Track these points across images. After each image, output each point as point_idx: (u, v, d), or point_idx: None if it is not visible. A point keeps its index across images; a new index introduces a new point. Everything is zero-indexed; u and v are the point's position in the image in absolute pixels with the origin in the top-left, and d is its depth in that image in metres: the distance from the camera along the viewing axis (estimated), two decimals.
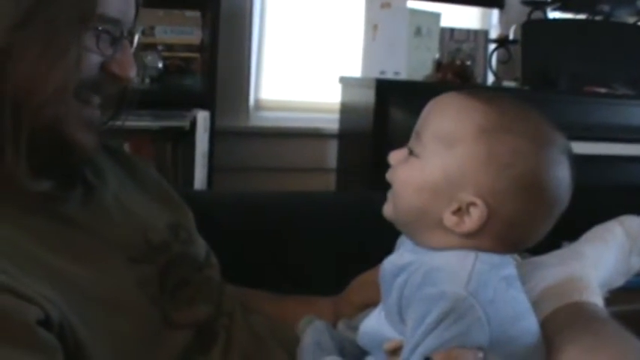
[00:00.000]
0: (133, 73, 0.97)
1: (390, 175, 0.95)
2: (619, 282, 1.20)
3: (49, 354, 0.77)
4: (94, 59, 0.92)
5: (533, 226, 0.90)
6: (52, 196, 0.96)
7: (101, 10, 0.90)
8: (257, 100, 3.15)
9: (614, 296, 1.11)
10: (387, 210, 0.95)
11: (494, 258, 0.88)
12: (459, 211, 0.87)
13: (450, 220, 0.88)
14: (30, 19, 0.85)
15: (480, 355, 0.80)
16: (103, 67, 0.94)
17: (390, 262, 0.95)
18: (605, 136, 2.62)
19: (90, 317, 0.85)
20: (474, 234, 0.87)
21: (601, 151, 2.54)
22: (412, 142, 0.93)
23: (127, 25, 0.96)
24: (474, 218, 0.86)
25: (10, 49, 0.84)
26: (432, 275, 0.85)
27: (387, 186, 0.96)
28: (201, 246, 1.15)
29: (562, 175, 0.88)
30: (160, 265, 1.02)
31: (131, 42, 0.99)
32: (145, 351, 0.91)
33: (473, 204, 0.86)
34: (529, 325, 0.88)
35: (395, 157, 0.94)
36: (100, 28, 0.91)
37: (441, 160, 0.89)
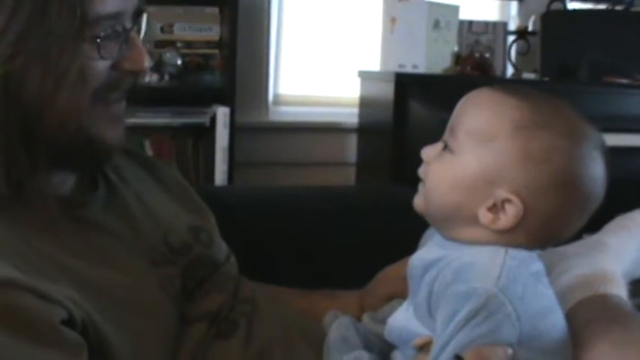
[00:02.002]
0: (147, 63, 0.95)
1: (423, 171, 0.94)
2: None
3: (75, 352, 0.78)
4: (101, 66, 0.89)
5: (568, 223, 0.89)
6: (74, 200, 0.96)
7: (96, 11, 0.86)
8: (276, 95, 3.16)
9: (635, 288, 1.10)
10: (418, 203, 0.95)
11: (523, 253, 0.87)
12: (494, 208, 0.87)
13: (485, 216, 0.87)
14: (22, 46, 0.82)
15: (510, 351, 0.80)
16: (115, 66, 0.91)
17: (418, 258, 0.94)
18: (626, 127, 2.59)
19: (113, 318, 0.85)
20: (508, 230, 0.87)
21: (622, 142, 2.52)
22: (446, 137, 0.92)
23: (129, 11, 0.93)
24: (509, 215, 0.86)
25: (10, 75, 0.82)
26: (463, 272, 0.85)
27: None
28: (222, 249, 1.15)
29: (597, 171, 0.87)
30: (181, 267, 1.02)
31: (138, 29, 0.96)
32: (165, 349, 0.92)
33: (508, 201, 0.86)
34: (557, 320, 0.88)
35: (428, 152, 0.94)
36: (98, 37, 0.87)
37: (476, 156, 0.88)
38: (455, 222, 0.90)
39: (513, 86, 0.92)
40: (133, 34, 0.94)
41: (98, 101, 0.90)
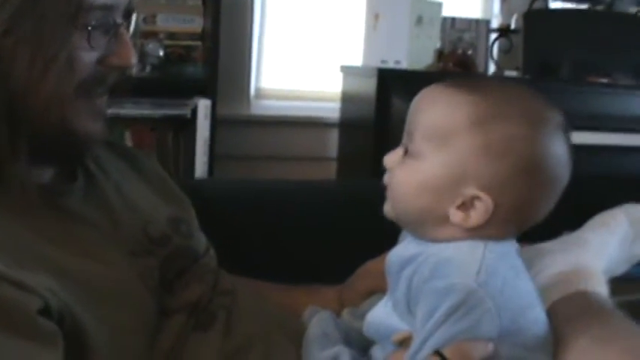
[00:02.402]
0: (133, 60, 0.95)
1: (387, 179, 0.93)
2: (620, 270, 1.20)
3: (50, 342, 0.77)
4: (89, 57, 0.89)
5: (537, 206, 0.89)
6: (53, 189, 0.95)
7: (90, 0, 0.87)
8: (258, 89, 3.15)
9: (615, 286, 1.10)
10: (387, 210, 0.94)
11: (502, 247, 0.88)
12: (463, 206, 0.86)
13: (456, 215, 0.87)
14: (16, 24, 0.82)
15: (490, 346, 0.80)
16: (101, 61, 0.91)
17: (395, 254, 0.94)
18: (607, 126, 2.61)
19: (91, 308, 0.84)
20: (480, 225, 0.86)
21: (602, 141, 2.54)
22: (405, 142, 0.91)
23: (121, 6, 0.93)
24: (480, 212, 0.86)
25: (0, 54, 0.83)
26: (441, 267, 0.84)
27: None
28: (201, 241, 1.14)
29: (560, 151, 0.87)
30: (160, 258, 1.01)
31: (128, 26, 0.96)
32: (143, 340, 0.91)
33: (477, 197, 0.85)
34: (538, 315, 0.88)
35: (390, 159, 0.93)
36: (89, 26, 0.88)
37: (437, 158, 0.87)
38: (426, 224, 0.90)
39: (463, 80, 0.92)
40: (123, 29, 0.94)
41: (81, 94, 0.90)
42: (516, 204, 0.87)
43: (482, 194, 0.85)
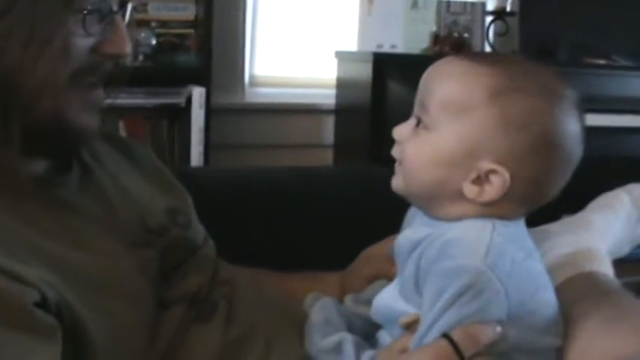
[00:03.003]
0: (128, 48, 0.93)
1: (397, 152, 0.91)
2: (624, 251, 1.19)
3: (48, 335, 0.76)
4: (83, 43, 0.88)
5: (552, 183, 0.88)
6: (48, 180, 0.94)
7: None
8: (252, 76, 3.13)
9: (619, 267, 1.09)
10: (398, 185, 0.92)
11: (511, 228, 0.86)
12: (478, 180, 0.85)
13: (470, 190, 0.85)
14: (10, 7, 0.81)
15: (499, 328, 0.79)
16: (96, 49, 0.90)
17: (405, 238, 0.92)
18: (605, 108, 2.60)
19: (90, 300, 0.83)
20: (494, 201, 0.85)
21: (601, 122, 2.53)
22: (418, 113, 0.90)
23: None
24: (496, 186, 0.84)
25: None
26: (449, 248, 0.83)
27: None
28: (199, 231, 1.13)
29: (575, 128, 0.86)
30: (158, 249, 1.00)
31: (123, 14, 0.95)
32: (143, 332, 0.90)
33: (493, 171, 0.84)
34: (548, 296, 0.87)
35: (401, 131, 0.91)
36: (85, 11, 0.87)
37: (453, 130, 0.86)
38: (439, 200, 0.88)
39: (479, 54, 0.91)
40: (118, 18, 0.93)
41: (75, 84, 0.88)
42: (532, 179, 0.85)
43: (498, 167, 0.84)
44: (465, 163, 0.85)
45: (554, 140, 0.85)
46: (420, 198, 0.91)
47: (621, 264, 1.13)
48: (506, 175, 0.83)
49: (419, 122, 0.89)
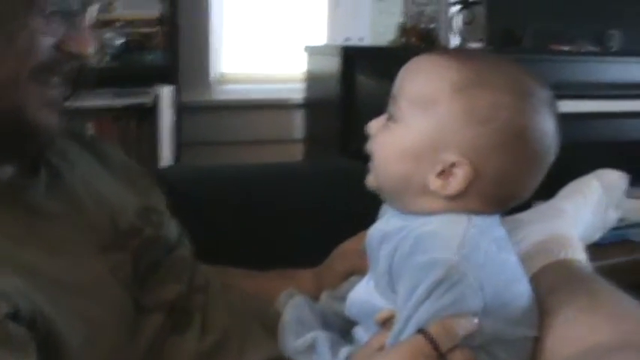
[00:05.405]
0: (91, 48, 0.91)
1: (370, 145, 0.92)
2: (595, 236, 1.20)
3: (22, 348, 0.75)
4: (46, 41, 0.86)
5: (522, 180, 0.88)
6: (15, 185, 0.92)
7: None
8: (220, 74, 3.11)
9: (590, 252, 1.10)
10: (370, 180, 0.93)
11: (486, 220, 0.86)
12: (443, 174, 0.85)
13: (434, 183, 0.85)
14: None
15: (475, 320, 0.79)
16: (59, 46, 0.88)
17: (376, 229, 0.93)
18: (573, 94, 2.61)
19: (63, 307, 0.81)
20: (461, 195, 0.85)
21: (569, 108, 2.54)
22: (390, 108, 0.90)
23: None
24: (459, 178, 0.84)
25: None
26: (422, 242, 0.83)
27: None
28: (173, 229, 1.12)
29: (545, 126, 0.86)
30: (132, 250, 0.98)
31: (87, 15, 0.93)
32: (119, 338, 0.89)
33: (456, 164, 0.84)
34: (522, 287, 0.87)
35: (374, 125, 0.92)
36: (48, 10, 0.85)
37: (419, 123, 0.86)
38: (407, 194, 0.89)
39: (455, 50, 0.91)
40: (82, 17, 0.91)
41: (34, 80, 0.87)
42: (499, 174, 0.85)
43: (461, 159, 0.84)
44: (430, 156, 0.85)
45: (519, 135, 0.84)
46: (389, 192, 0.92)
47: (592, 248, 1.14)
48: (469, 167, 0.84)
49: (390, 117, 0.90)
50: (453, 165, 0.84)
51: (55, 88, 0.91)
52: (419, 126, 0.86)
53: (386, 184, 0.91)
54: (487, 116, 0.83)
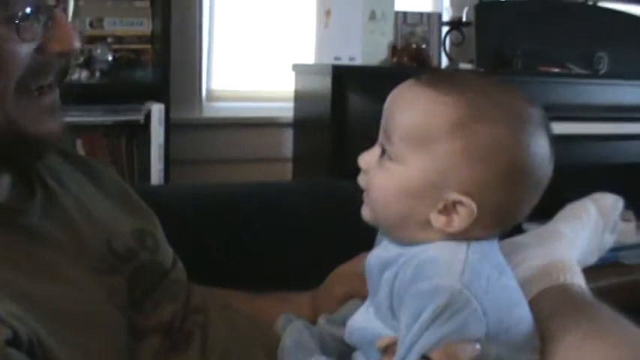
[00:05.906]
0: (76, 42, 0.88)
1: (363, 181, 0.90)
2: (591, 260, 1.20)
3: None
4: (23, 49, 0.83)
5: (521, 206, 0.88)
6: (11, 208, 0.90)
7: None
8: (209, 91, 3.11)
9: (585, 273, 1.10)
10: (366, 214, 0.91)
11: (485, 246, 0.86)
12: (445, 210, 0.84)
13: (438, 220, 0.84)
14: None
15: (478, 347, 0.79)
16: (42, 49, 0.85)
17: (375, 256, 0.92)
18: (561, 116, 2.62)
19: (60, 333, 0.79)
20: (463, 230, 0.84)
21: (556, 130, 2.53)
22: (382, 142, 0.89)
23: None
24: (462, 216, 0.83)
25: None
26: (424, 268, 0.82)
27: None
28: (168, 253, 1.10)
29: (543, 150, 0.85)
30: (126, 275, 0.97)
31: (64, 8, 0.91)
32: None
33: (459, 202, 0.83)
34: (522, 312, 0.86)
35: (366, 160, 0.90)
36: (15, 17, 0.81)
37: (418, 163, 0.85)
38: (407, 228, 0.88)
39: (441, 77, 0.90)
40: (59, 12, 0.88)
41: (24, 91, 0.85)
42: (500, 205, 0.85)
43: (464, 199, 0.83)
44: (431, 195, 0.84)
45: (519, 167, 0.84)
46: (388, 227, 0.91)
47: (583, 270, 1.13)
48: (473, 206, 0.83)
49: (384, 151, 0.88)
50: (455, 203, 0.84)
51: (47, 94, 0.89)
52: (419, 166, 0.85)
53: (385, 220, 0.90)
54: (488, 153, 0.83)
